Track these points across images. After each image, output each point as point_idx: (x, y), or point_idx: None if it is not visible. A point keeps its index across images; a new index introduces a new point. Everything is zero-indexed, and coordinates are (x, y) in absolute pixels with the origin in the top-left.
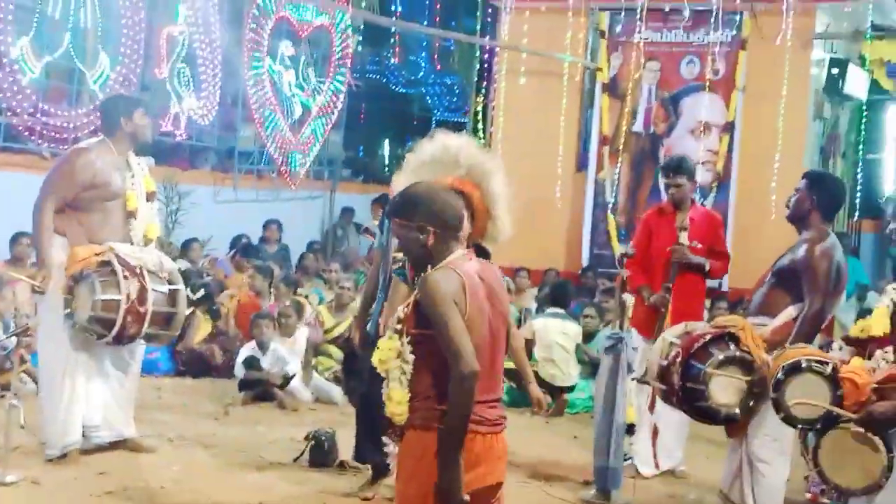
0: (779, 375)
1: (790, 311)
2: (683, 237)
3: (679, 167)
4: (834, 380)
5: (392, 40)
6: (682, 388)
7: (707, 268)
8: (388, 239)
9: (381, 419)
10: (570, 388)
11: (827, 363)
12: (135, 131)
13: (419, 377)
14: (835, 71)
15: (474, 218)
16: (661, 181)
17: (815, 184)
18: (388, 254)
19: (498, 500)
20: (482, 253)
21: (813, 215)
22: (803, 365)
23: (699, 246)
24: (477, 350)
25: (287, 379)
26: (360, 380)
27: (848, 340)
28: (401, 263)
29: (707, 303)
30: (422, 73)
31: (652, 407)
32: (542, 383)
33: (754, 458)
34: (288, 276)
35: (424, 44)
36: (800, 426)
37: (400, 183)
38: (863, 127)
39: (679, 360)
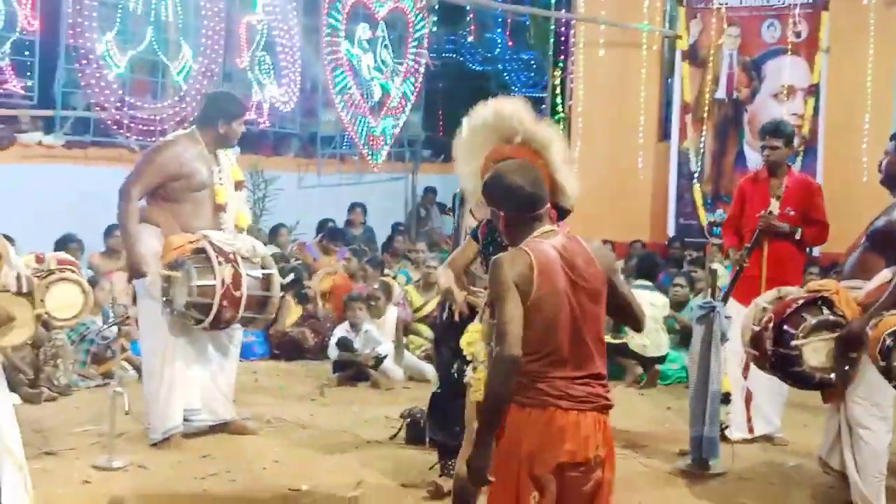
0: (888, 343)
1: (885, 274)
2: (774, 205)
3: (776, 130)
4: None
5: (467, 18)
6: (775, 354)
7: (798, 235)
8: (460, 220)
9: (455, 400)
10: (662, 359)
11: None
12: (227, 135)
13: None
14: None
15: None
16: (759, 144)
17: None
18: (460, 235)
19: (597, 479)
20: (560, 212)
21: None
22: None
23: (792, 213)
24: (552, 326)
25: (380, 359)
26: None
27: None
28: (477, 223)
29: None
30: (498, 50)
31: (745, 372)
32: (634, 355)
33: (854, 423)
34: (375, 257)
35: (499, 20)
36: None
37: (456, 151)
38: None
39: (771, 325)
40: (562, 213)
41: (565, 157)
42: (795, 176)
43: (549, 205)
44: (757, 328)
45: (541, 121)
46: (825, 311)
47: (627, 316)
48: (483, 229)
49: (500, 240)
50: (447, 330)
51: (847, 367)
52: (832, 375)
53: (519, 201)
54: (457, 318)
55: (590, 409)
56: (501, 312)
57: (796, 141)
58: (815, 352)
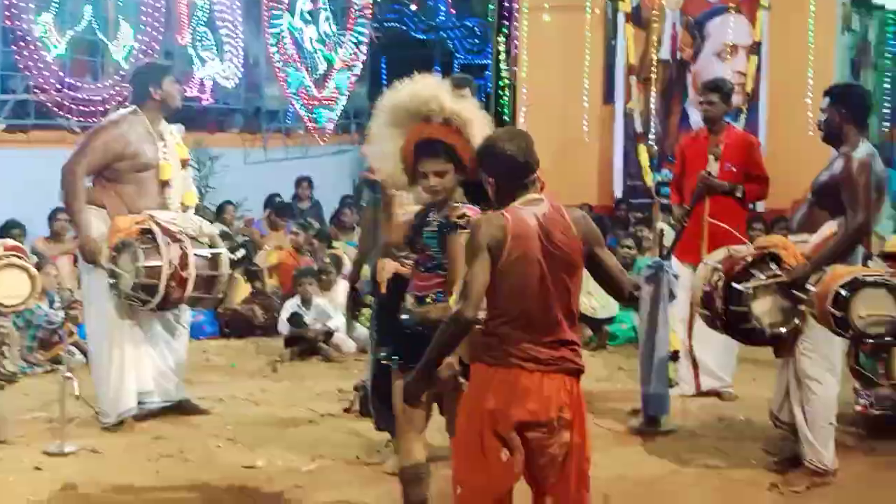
0: (842, 293)
1: (831, 226)
2: (713, 164)
3: (713, 85)
4: None
5: None
6: (727, 312)
7: (740, 193)
8: (375, 208)
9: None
10: (611, 320)
11: (882, 277)
12: (164, 99)
13: None
14: None
15: (462, 163)
16: (701, 104)
17: (841, 97)
18: (378, 224)
19: (563, 441)
20: (477, 189)
21: (846, 129)
22: (867, 279)
23: (734, 169)
24: (521, 291)
25: (331, 332)
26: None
27: (885, 256)
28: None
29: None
30: (441, 18)
31: (690, 331)
32: (582, 318)
33: (803, 375)
34: (322, 231)
35: None
36: (871, 341)
37: (372, 132)
38: (892, 36)
39: (721, 283)
40: (479, 191)
41: (486, 133)
42: (734, 133)
43: (537, 174)
44: (707, 288)
45: (461, 99)
46: (773, 266)
47: (611, 287)
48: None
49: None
50: (380, 311)
51: (796, 320)
52: (783, 329)
53: (509, 168)
54: (383, 289)
55: (554, 370)
56: (469, 272)
57: (739, 98)
58: (765, 307)
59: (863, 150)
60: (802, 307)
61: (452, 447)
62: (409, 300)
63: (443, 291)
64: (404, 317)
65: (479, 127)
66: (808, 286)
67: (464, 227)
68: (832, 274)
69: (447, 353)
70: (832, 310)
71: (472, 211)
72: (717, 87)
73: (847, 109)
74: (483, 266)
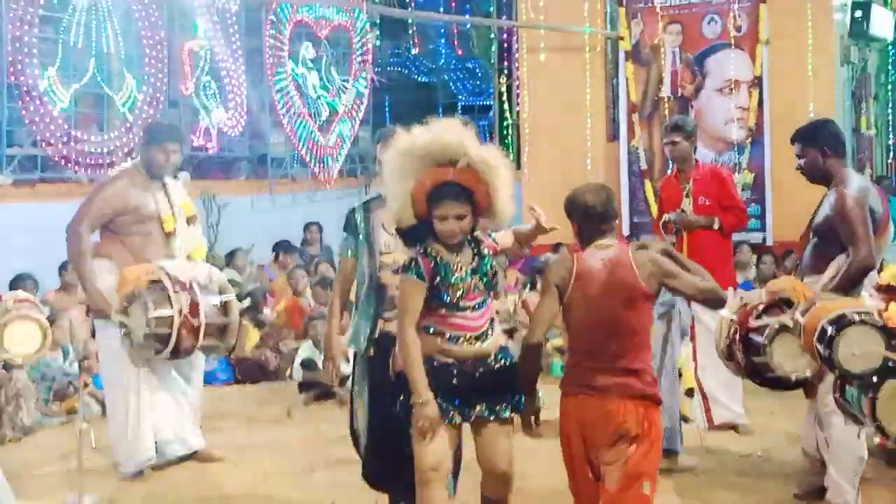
0: (829, 332)
1: (837, 264)
2: (686, 202)
3: (675, 126)
4: (887, 329)
5: (410, 31)
6: (748, 364)
7: (716, 225)
8: (368, 236)
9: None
10: None
11: (871, 313)
12: (164, 162)
13: None
14: (858, 14)
15: (478, 208)
16: (665, 143)
17: (811, 137)
18: (369, 249)
19: (626, 452)
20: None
21: (829, 165)
22: (854, 318)
23: (707, 202)
24: (578, 325)
25: (345, 377)
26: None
27: (879, 288)
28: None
29: (753, 258)
30: (443, 61)
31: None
32: None
33: (824, 409)
34: (323, 278)
35: (442, 31)
36: (856, 380)
37: (385, 169)
38: (891, 66)
39: (738, 336)
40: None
41: (508, 183)
42: (702, 168)
43: (615, 222)
44: (728, 340)
45: (485, 145)
46: (787, 311)
47: (703, 301)
48: (422, 257)
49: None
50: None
51: (820, 346)
52: (808, 373)
53: (587, 217)
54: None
55: (617, 396)
56: (538, 304)
57: (743, 134)
58: (786, 355)
59: (856, 184)
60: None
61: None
62: (451, 344)
63: (490, 323)
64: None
65: (504, 172)
66: (798, 315)
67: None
68: (821, 306)
69: (531, 375)
70: (818, 345)
71: (491, 246)
72: (679, 127)
73: (823, 146)
74: (550, 300)
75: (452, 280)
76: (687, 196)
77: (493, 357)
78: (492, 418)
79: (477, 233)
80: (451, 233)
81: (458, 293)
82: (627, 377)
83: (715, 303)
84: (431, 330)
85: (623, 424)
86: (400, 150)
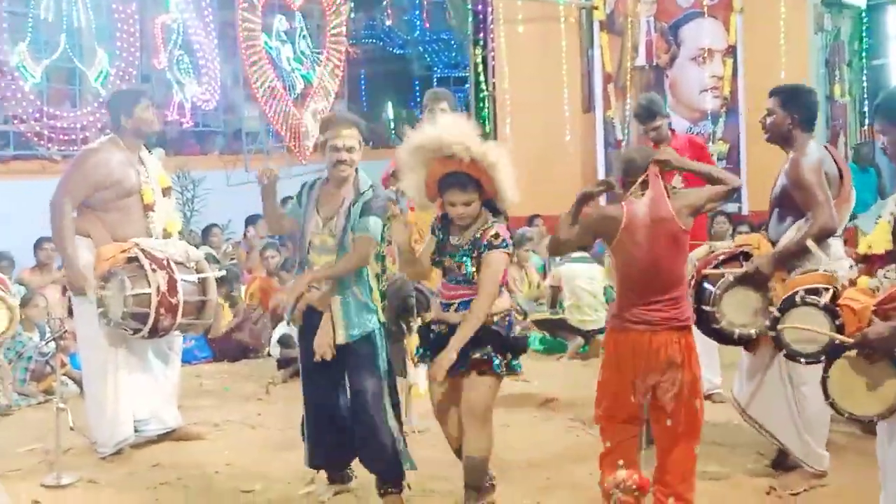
0: (775, 313)
1: (790, 231)
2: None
3: (650, 112)
4: (830, 309)
5: (384, 2)
6: (698, 311)
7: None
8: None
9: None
10: (601, 330)
11: (824, 291)
12: (139, 126)
13: None
14: None
15: (486, 195)
16: (640, 128)
17: (789, 100)
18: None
19: (674, 378)
20: (497, 211)
21: (794, 133)
22: (797, 300)
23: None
24: (629, 269)
25: None
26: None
27: (858, 259)
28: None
29: (730, 229)
30: (417, 33)
31: None
32: (573, 329)
33: (795, 381)
34: (287, 261)
35: (416, 2)
36: (805, 361)
37: (400, 160)
38: (865, 34)
39: (693, 282)
40: (498, 212)
41: (508, 172)
42: (679, 138)
43: (651, 171)
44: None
45: (485, 142)
46: (745, 265)
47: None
48: (438, 221)
49: (448, 232)
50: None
51: (766, 322)
52: (752, 332)
53: (628, 172)
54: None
55: (663, 329)
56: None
57: (718, 103)
58: (736, 308)
59: (813, 153)
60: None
61: (599, 380)
62: (436, 305)
63: (467, 301)
64: (432, 319)
65: (503, 166)
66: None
67: (497, 246)
68: (791, 282)
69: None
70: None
71: (503, 230)
72: (655, 112)
73: (796, 113)
74: (583, 234)
75: (442, 249)
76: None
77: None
78: (470, 369)
79: (495, 226)
80: (459, 216)
81: (447, 263)
82: (672, 310)
83: (727, 192)
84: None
85: (671, 355)
86: (411, 146)
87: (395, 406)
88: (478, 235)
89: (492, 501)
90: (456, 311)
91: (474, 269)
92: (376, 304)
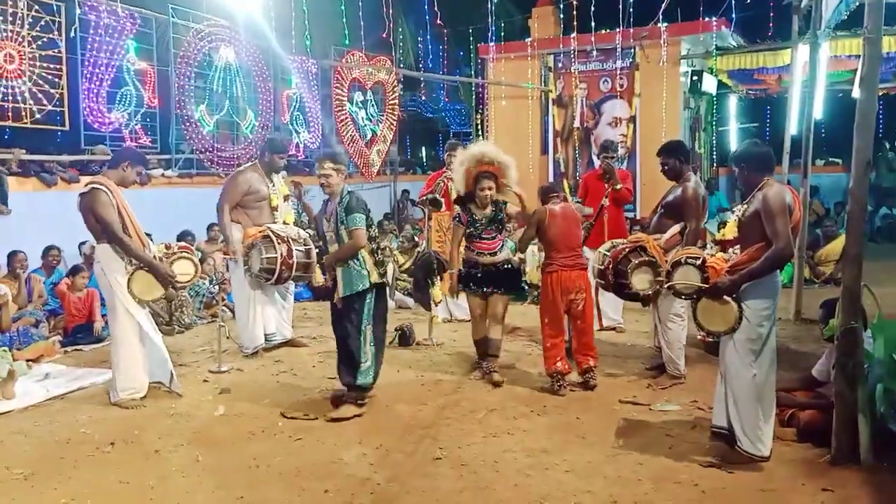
0: (668, 268)
1: (675, 228)
2: (607, 189)
3: (604, 148)
4: (702, 268)
5: (421, 84)
6: (615, 283)
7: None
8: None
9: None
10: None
11: (698, 258)
12: (273, 163)
13: None
14: (695, 77)
15: (499, 188)
16: (601, 157)
17: (674, 151)
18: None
19: (583, 298)
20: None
21: (681, 168)
22: (682, 260)
23: (624, 189)
24: (553, 237)
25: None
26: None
27: (715, 242)
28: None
29: (629, 227)
30: (441, 104)
31: (596, 292)
32: (532, 285)
33: (664, 319)
34: (371, 236)
35: (441, 85)
36: (683, 297)
37: (455, 164)
38: (714, 110)
39: (610, 265)
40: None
41: (514, 174)
42: (620, 171)
43: (561, 194)
44: (601, 267)
45: (506, 156)
46: (643, 254)
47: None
48: (462, 213)
49: (472, 213)
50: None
51: (658, 287)
52: (649, 292)
53: (546, 190)
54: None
55: (572, 268)
56: (525, 232)
57: (623, 151)
58: (640, 280)
59: (694, 180)
60: (661, 279)
61: (540, 305)
62: (476, 255)
63: (502, 244)
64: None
65: (513, 169)
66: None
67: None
68: (675, 254)
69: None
70: (665, 278)
71: (509, 204)
72: (612, 149)
73: (680, 157)
74: (532, 230)
75: (476, 223)
76: (608, 184)
77: (499, 264)
78: (496, 292)
79: (507, 206)
80: (485, 196)
81: (479, 230)
82: (576, 259)
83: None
84: (469, 248)
85: (581, 283)
86: (466, 154)
87: (376, 342)
88: (501, 207)
89: (498, 364)
90: (499, 252)
91: (505, 221)
92: (369, 270)
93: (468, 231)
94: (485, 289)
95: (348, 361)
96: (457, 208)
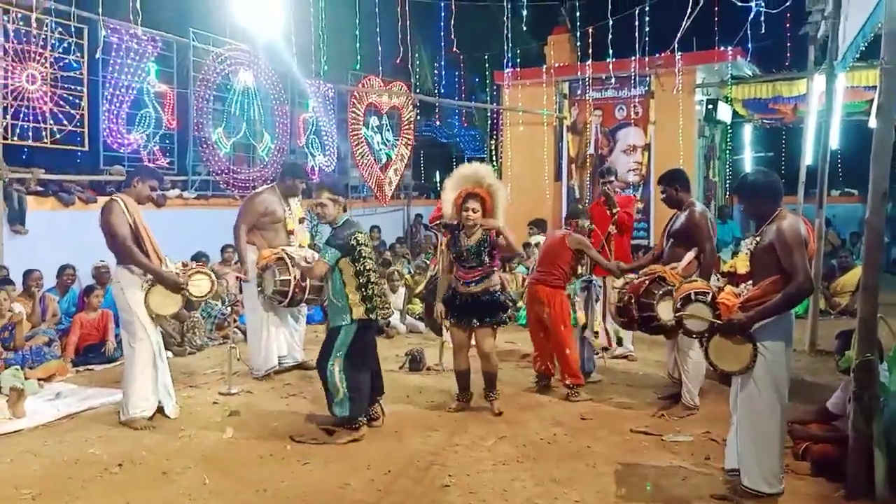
0: (678, 305)
1: (690, 255)
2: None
3: (606, 172)
4: (713, 304)
5: (437, 110)
6: (641, 317)
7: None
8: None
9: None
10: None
11: (707, 293)
12: (292, 187)
13: None
14: (710, 106)
15: (485, 212)
16: (600, 182)
17: (671, 180)
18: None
19: (546, 310)
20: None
21: (681, 196)
22: (692, 297)
23: (625, 215)
24: (541, 255)
25: (389, 321)
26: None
27: (723, 274)
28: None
29: (640, 253)
30: (456, 129)
31: (605, 322)
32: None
33: (685, 349)
34: (384, 261)
35: (456, 111)
36: (695, 336)
37: (446, 186)
38: (729, 139)
39: (633, 300)
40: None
41: (504, 199)
42: (621, 196)
43: (574, 220)
44: (621, 304)
45: (496, 179)
46: (664, 283)
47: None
48: (449, 240)
49: (458, 240)
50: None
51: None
52: (675, 323)
53: (572, 214)
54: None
55: (538, 282)
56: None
57: (637, 178)
58: (666, 310)
59: (699, 206)
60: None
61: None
62: (460, 284)
63: (480, 277)
64: (461, 292)
65: (502, 193)
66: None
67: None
68: (680, 288)
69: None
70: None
71: (497, 232)
72: (610, 172)
73: (679, 185)
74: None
75: (458, 248)
76: (611, 212)
77: (478, 295)
78: (480, 326)
79: (499, 236)
80: (468, 218)
81: (461, 256)
82: (543, 276)
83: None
84: (454, 275)
85: (541, 296)
86: (454, 176)
87: (347, 371)
88: (486, 236)
89: (498, 393)
90: (476, 284)
91: (487, 257)
92: (351, 307)
93: (452, 255)
94: (465, 321)
95: (325, 393)
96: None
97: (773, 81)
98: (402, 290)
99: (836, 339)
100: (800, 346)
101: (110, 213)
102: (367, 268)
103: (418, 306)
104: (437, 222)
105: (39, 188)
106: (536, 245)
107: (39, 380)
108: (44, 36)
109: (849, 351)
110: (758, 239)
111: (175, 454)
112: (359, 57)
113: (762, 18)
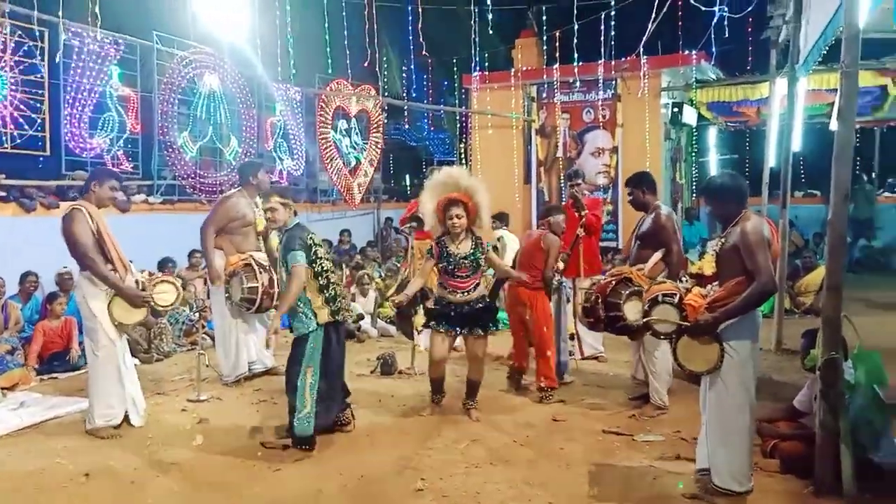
0: (645, 307)
1: (656, 256)
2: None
3: (574, 175)
4: (680, 306)
5: (405, 113)
6: (607, 317)
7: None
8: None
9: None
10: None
11: (675, 295)
12: (258, 184)
13: None
14: (675, 109)
15: (469, 215)
16: (568, 185)
17: (638, 182)
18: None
19: (529, 312)
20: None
21: (647, 199)
22: (658, 298)
23: (593, 217)
24: (520, 258)
25: (360, 316)
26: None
27: (691, 275)
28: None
29: (609, 255)
30: (425, 132)
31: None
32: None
33: (651, 350)
34: (357, 264)
35: (425, 114)
36: (663, 337)
37: (424, 193)
38: (694, 142)
39: (600, 300)
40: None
41: (486, 201)
42: (589, 199)
43: (546, 220)
44: (588, 305)
45: (473, 179)
46: (630, 284)
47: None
48: (436, 246)
49: (447, 248)
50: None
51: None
52: (642, 322)
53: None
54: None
55: (518, 286)
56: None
57: (606, 180)
58: (632, 310)
59: (665, 208)
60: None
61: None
62: (448, 293)
63: (477, 283)
64: (453, 301)
65: (483, 195)
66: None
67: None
68: (650, 290)
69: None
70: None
71: (485, 239)
72: (571, 177)
73: (645, 187)
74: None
75: (449, 258)
76: (580, 215)
77: (473, 303)
78: (472, 335)
79: (487, 247)
80: (454, 226)
81: (452, 266)
82: (531, 279)
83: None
84: (441, 284)
85: (522, 298)
86: (431, 182)
87: (319, 381)
88: (478, 244)
89: (476, 402)
90: (472, 291)
91: (483, 263)
92: (315, 312)
93: (441, 265)
94: (458, 329)
95: (289, 405)
96: (429, 242)
97: (737, 85)
98: (372, 294)
99: (802, 338)
100: (766, 344)
101: (72, 221)
102: (326, 268)
103: (389, 310)
104: (408, 224)
105: (0, 194)
106: (499, 239)
107: (2, 389)
108: (3, 39)
109: (814, 349)
110: (723, 240)
111: (143, 463)
112: (329, 60)
113: (725, 23)
